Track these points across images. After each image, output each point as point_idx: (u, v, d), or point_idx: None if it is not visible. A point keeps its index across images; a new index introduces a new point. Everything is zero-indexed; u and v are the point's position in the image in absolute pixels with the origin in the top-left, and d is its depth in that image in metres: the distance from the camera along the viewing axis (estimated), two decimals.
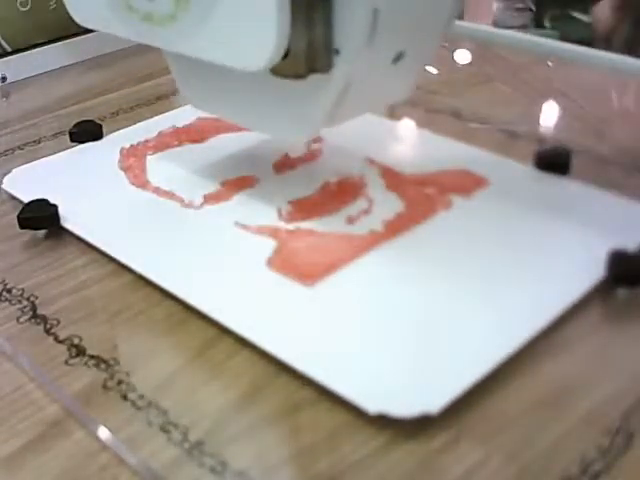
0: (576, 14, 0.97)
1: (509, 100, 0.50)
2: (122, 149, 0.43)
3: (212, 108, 0.40)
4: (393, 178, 0.39)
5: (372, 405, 0.25)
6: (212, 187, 0.39)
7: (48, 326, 0.31)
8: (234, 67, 0.31)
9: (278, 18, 0.29)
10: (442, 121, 0.46)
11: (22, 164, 0.43)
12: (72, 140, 0.45)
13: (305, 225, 0.35)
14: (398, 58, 0.34)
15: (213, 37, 0.31)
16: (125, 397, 0.27)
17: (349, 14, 0.30)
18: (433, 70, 0.55)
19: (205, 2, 0.31)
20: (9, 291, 0.33)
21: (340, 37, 0.30)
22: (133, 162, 0.42)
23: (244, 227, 0.36)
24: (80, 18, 0.38)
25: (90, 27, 0.38)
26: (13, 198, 0.40)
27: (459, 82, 0.54)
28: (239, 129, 0.45)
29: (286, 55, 0.30)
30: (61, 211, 0.37)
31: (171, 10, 0.32)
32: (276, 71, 0.31)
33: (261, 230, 0.35)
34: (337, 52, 0.31)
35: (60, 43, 0.59)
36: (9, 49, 0.58)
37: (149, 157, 0.43)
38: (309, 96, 0.33)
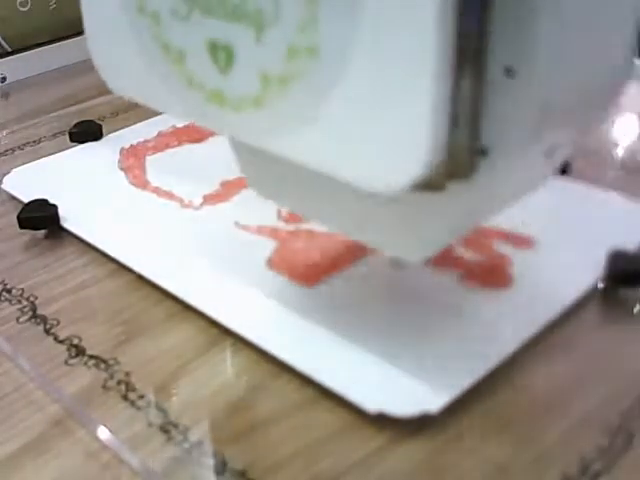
0: None
1: None
2: (122, 149, 0.43)
3: (289, 203, 0.30)
4: None
5: (372, 405, 0.25)
6: (212, 187, 0.39)
7: (48, 326, 0.31)
8: (358, 186, 0.22)
9: (433, 120, 0.19)
10: None
11: (22, 164, 0.43)
12: (72, 140, 0.45)
13: (305, 225, 0.35)
14: (550, 152, 0.26)
15: (325, 139, 0.22)
16: (125, 397, 0.27)
17: (510, 105, 0.22)
18: None
19: (315, 88, 0.21)
20: (9, 291, 0.33)
21: (490, 132, 0.22)
22: (133, 162, 0.42)
23: (244, 227, 0.36)
24: (116, 86, 0.28)
25: (132, 98, 0.28)
26: (13, 198, 0.40)
27: None
28: None
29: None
30: (61, 211, 0.37)
31: (256, 91, 0.23)
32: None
33: (261, 230, 0.35)
34: (484, 152, 0.22)
35: (60, 43, 0.59)
36: (9, 49, 0.58)
37: (149, 157, 0.43)
38: (434, 208, 0.24)
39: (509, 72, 0.21)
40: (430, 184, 0.22)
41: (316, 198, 0.27)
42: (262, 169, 0.28)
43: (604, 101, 0.26)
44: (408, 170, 0.20)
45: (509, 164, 0.23)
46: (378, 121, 0.20)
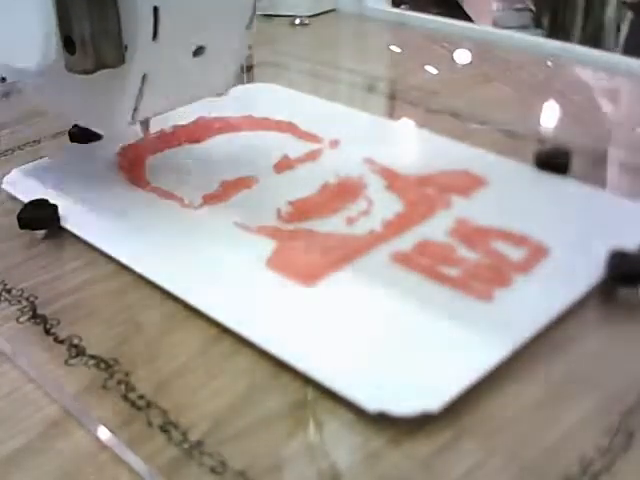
0: None
1: (509, 100, 0.50)
2: (122, 149, 0.43)
3: (48, 103, 0.42)
4: (393, 178, 0.39)
5: (372, 404, 0.25)
6: (212, 187, 0.39)
7: (48, 326, 0.31)
8: (16, 66, 0.34)
9: (40, 19, 0.32)
10: (442, 121, 0.46)
11: (22, 164, 0.43)
12: (72, 140, 0.45)
13: (305, 225, 0.35)
14: (198, 52, 0.37)
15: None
16: (125, 397, 0.27)
17: (132, 11, 0.33)
18: (433, 70, 0.55)
19: None
20: (9, 291, 0.33)
21: (127, 33, 0.33)
22: (133, 162, 0.42)
23: (244, 227, 0.36)
24: None
25: None
26: (13, 198, 0.40)
27: (459, 82, 0.54)
28: (239, 129, 0.45)
29: (74, 52, 0.32)
30: (61, 211, 0.37)
31: None
32: (69, 68, 0.33)
33: (261, 230, 0.35)
34: (126, 47, 0.33)
35: None
36: None
37: (149, 157, 0.43)
38: (111, 90, 0.35)
39: None
40: (83, 68, 0.33)
41: (59, 94, 0.38)
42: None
43: (238, 14, 0.37)
44: (34, 53, 0.33)
45: (159, 60, 0.35)
46: (16, 22, 0.33)
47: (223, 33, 0.38)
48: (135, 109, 0.36)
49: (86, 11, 0.32)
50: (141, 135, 0.41)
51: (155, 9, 0.33)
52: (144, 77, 0.35)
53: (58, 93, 0.38)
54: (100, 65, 0.33)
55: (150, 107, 0.37)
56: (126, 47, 0.33)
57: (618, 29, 1.34)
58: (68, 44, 0.32)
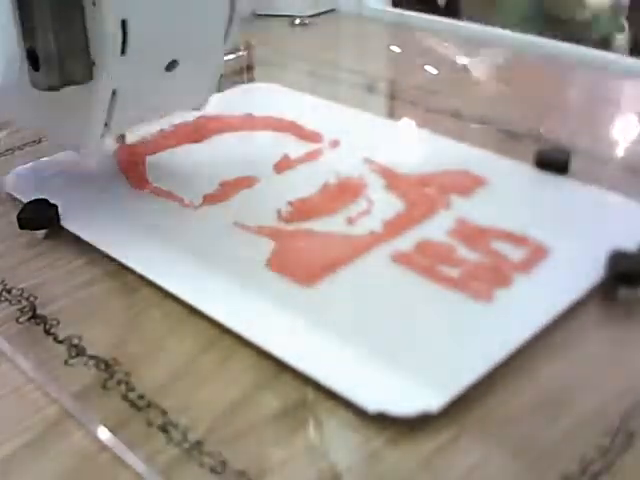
0: None
1: (509, 100, 0.50)
2: (122, 149, 0.43)
3: (16, 119, 0.41)
4: (393, 178, 0.39)
5: (372, 404, 0.25)
6: (212, 187, 0.39)
7: (48, 326, 0.31)
8: None
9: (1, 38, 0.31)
10: (442, 121, 0.46)
11: (22, 164, 0.43)
12: None
13: (305, 225, 0.35)
14: (171, 67, 0.35)
15: None
16: (125, 397, 0.27)
17: (99, 25, 0.31)
18: (433, 70, 0.55)
19: None
20: (9, 291, 0.33)
21: (94, 48, 0.32)
22: (133, 162, 0.42)
23: (244, 227, 0.36)
24: None
25: None
26: (13, 198, 0.40)
27: (459, 82, 0.54)
28: (239, 129, 0.45)
29: (38, 68, 0.31)
30: (61, 211, 0.37)
31: None
32: (34, 84, 0.32)
33: (261, 230, 0.35)
34: (93, 63, 0.32)
35: None
36: None
37: (149, 157, 0.43)
38: (80, 107, 0.34)
39: (94, 3, 0.31)
40: (48, 84, 0.31)
41: (26, 110, 0.36)
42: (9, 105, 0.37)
43: (212, 29, 0.36)
44: None
45: (129, 75, 0.33)
46: None
47: (197, 46, 0.36)
48: (106, 124, 0.35)
49: (50, 23, 0.30)
50: (114, 148, 0.41)
51: (123, 22, 0.31)
52: (114, 93, 0.33)
53: (25, 109, 0.36)
54: (66, 81, 0.32)
55: (122, 123, 0.36)
56: (94, 62, 0.32)
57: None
58: (32, 59, 0.31)
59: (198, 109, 0.40)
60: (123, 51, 0.32)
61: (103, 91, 0.33)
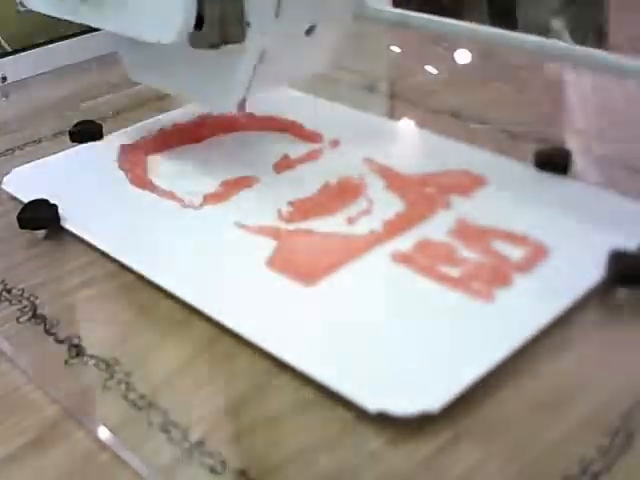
0: None
1: (509, 100, 0.50)
2: (122, 149, 0.43)
3: (150, 79, 0.44)
4: (393, 178, 0.39)
5: (372, 404, 0.25)
6: (212, 187, 0.39)
7: (48, 326, 0.31)
8: (150, 41, 0.36)
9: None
10: (442, 121, 0.46)
11: (22, 164, 0.43)
12: (72, 140, 0.45)
13: (305, 225, 0.35)
14: (310, 31, 0.39)
15: (131, 15, 0.36)
16: (125, 397, 0.27)
17: None
18: (433, 70, 0.55)
19: None
20: (9, 291, 0.33)
21: (250, 10, 0.35)
22: (133, 162, 0.42)
23: (244, 227, 0.36)
24: (30, 4, 0.43)
25: (39, 10, 0.43)
26: (13, 198, 0.40)
27: (459, 82, 0.54)
28: (239, 129, 0.45)
29: (201, 27, 0.34)
30: (61, 211, 0.37)
31: None
32: (193, 43, 0.35)
33: (261, 230, 0.35)
34: (248, 24, 0.35)
35: (60, 43, 0.59)
36: (9, 49, 0.58)
37: (149, 157, 0.43)
38: (227, 66, 0.37)
39: None
40: (209, 42, 0.34)
41: (169, 70, 0.40)
42: (135, 56, 0.42)
43: None
44: (172, 26, 0.34)
45: (275, 38, 0.36)
46: None
47: (331, 14, 0.40)
48: (250, 85, 0.37)
49: None
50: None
51: None
52: (262, 53, 0.36)
53: (171, 71, 0.40)
54: (224, 40, 0.35)
55: (262, 84, 0.38)
56: (249, 24, 0.35)
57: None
58: (197, 21, 0.34)
59: (322, 70, 0.43)
60: (277, 14, 0.36)
61: (254, 51, 0.36)
